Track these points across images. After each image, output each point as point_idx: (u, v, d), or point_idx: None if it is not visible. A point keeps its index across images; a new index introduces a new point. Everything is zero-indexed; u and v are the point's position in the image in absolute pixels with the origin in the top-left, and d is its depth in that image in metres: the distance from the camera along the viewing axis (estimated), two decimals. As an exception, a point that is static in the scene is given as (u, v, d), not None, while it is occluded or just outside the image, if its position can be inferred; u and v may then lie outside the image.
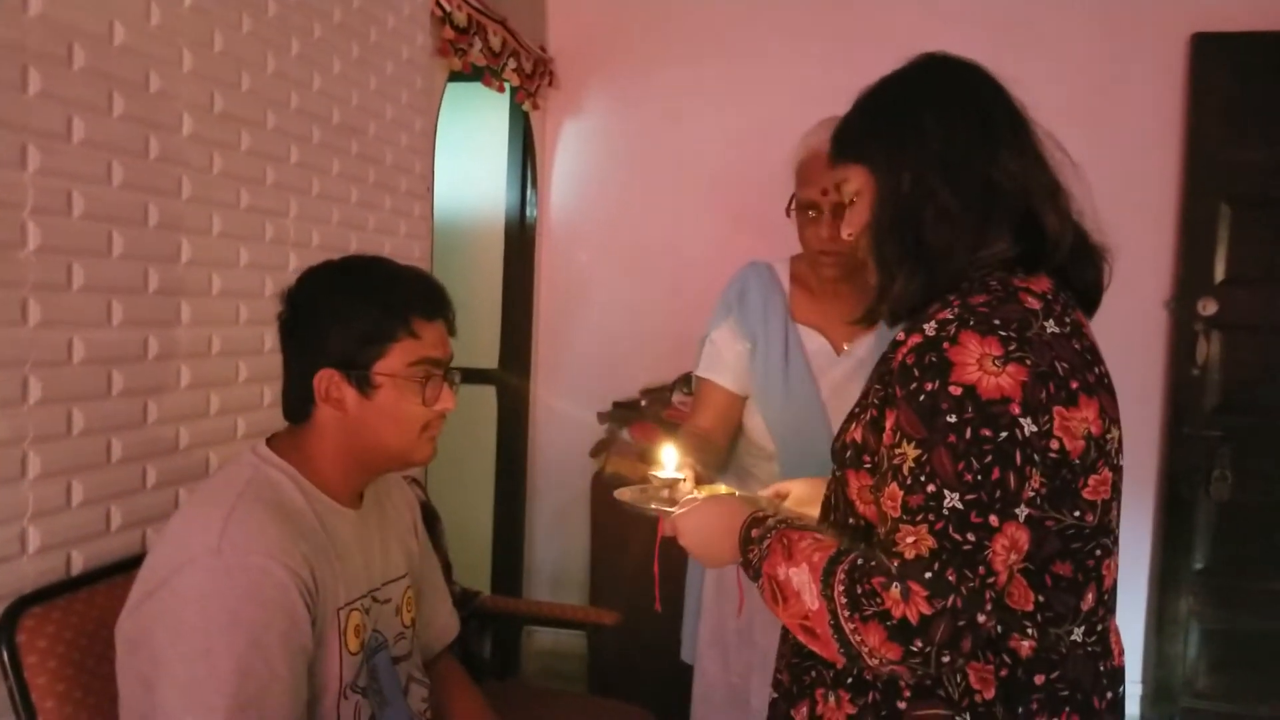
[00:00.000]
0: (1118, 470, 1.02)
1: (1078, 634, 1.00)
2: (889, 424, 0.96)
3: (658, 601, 1.41)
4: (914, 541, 0.89)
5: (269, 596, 1.15)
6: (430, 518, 2.18)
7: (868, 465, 1.02)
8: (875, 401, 1.01)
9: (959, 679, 0.98)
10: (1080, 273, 1.07)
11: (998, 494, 0.89)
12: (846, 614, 0.90)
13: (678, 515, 1.18)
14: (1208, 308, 2.95)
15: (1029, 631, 0.97)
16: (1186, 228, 2.98)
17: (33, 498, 1.40)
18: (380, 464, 1.34)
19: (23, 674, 1.29)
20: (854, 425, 1.05)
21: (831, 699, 1.05)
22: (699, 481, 1.34)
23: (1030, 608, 0.97)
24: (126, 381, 1.55)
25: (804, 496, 1.31)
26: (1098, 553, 1.00)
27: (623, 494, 1.31)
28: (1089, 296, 1.10)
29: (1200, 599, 2.98)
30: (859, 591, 0.89)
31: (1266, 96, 2.89)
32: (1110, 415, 0.99)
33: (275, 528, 1.19)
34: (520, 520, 3.44)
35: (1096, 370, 1.00)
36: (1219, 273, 2.95)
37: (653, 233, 3.36)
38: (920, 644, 0.87)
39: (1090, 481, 0.97)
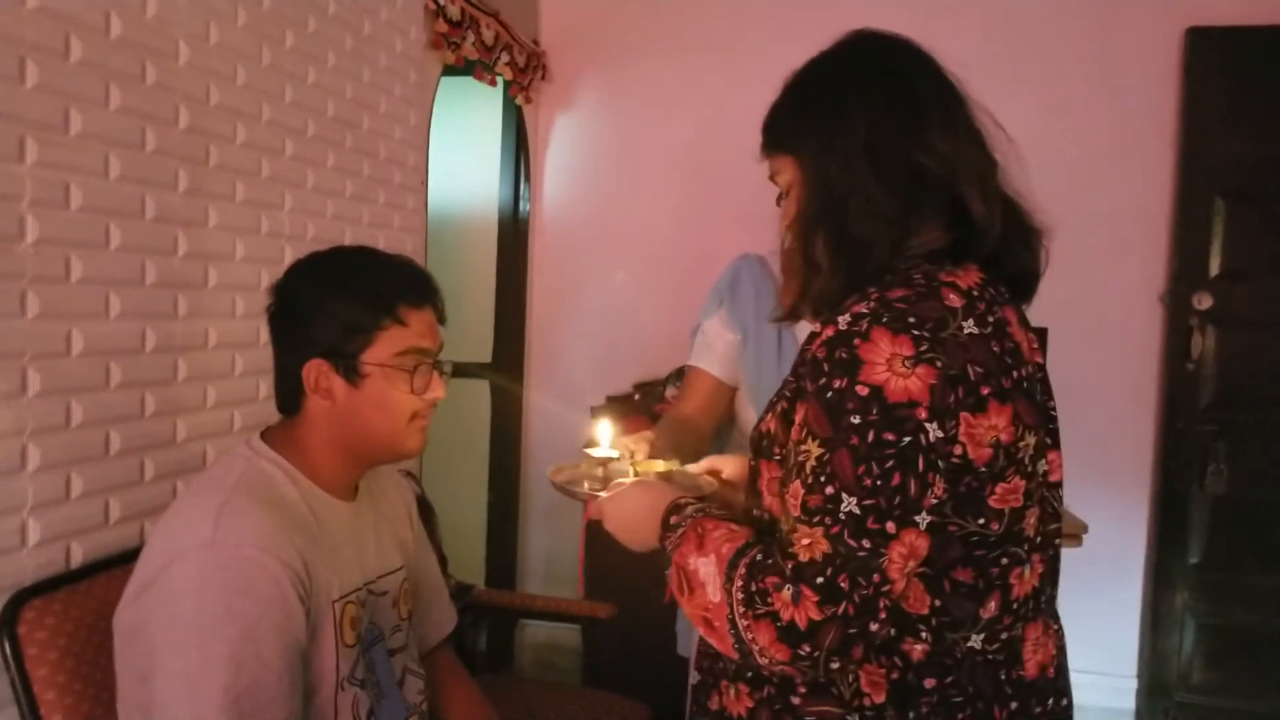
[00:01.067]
0: (1033, 477, 0.97)
1: (976, 641, 0.96)
2: (799, 418, 0.94)
3: (581, 585, 1.40)
4: (809, 544, 0.86)
5: (262, 589, 1.15)
6: (425, 511, 2.18)
7: (778, 457, 1.00)
8: (788, 393, 0.99)
9: (850, 679, 0.96)
10: (1014, 258, 1.03)
11: (897, 500, 0.86)
12: (741, 610, 0.88)
13: (603, 499, 1.15)
14: (1202, 302, 2.96)
15: (923, 635, 0.95)
16: (1181, 222, 2.98)
17: (32, 490, 1.40)
18: (370, 454, 1.34)
19: (24, 665, 1.30)
20: (769, 415, 1.02)
21: (732, 691, 1.04)
22: (643, 458, 1.31)
23: (926, 611, 0.94)
24: (125, 374, 1.55)
25: (737, 474, 1.27)
26: (1003, 561, 0.96)
27: (557, 474, 1.29)
28: (1023, 282, 1.06)
29: (1195, 593, 3.00)
30: (754, 589, 0.88)
31: (1261, 90, 2.90)
32: (1026, 422, 0.94)
33: (268, 520, 1.19)
34: (514, 514, 3.45)
35: (1015, 374, 0.95)
36: (1214, 267, 2.96)
37: (646, 226, 3.36)
38: (808, 649, 0.85)
39: (998, 490, 0.93)
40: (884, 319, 0.90)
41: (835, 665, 0.87)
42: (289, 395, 1.30)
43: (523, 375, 3.43)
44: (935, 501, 0.89)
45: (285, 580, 1.17)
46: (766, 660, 0.88)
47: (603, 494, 1.17)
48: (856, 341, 0.90)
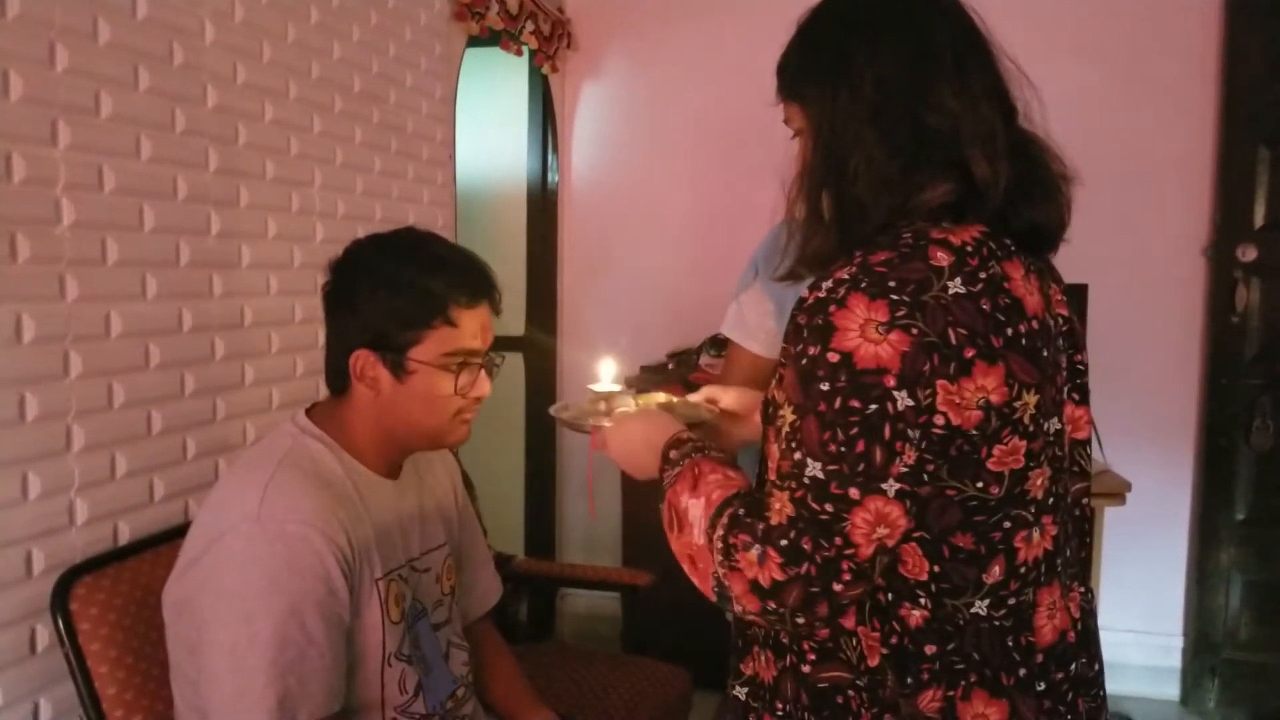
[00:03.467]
0: (1036, 437, 0.94)
1: (980, 606, 0.94)
2: (784, 384, 0.94)
3: (592, 512, 1.41)
4: (779, 508, 0.88)
5: (306, 564, 1.17)
6: (465, 484, 2.19)
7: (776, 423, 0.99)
8: (783, 360, 0.97)
9: (854, 642, 0.96)
10: (1023, 213, 0.98)
11: (860, 467, 0.86)
12: (719, 559, 0.91)
13: (607, 428, 1.16)
14: (1247, 254, 2.88)
15: (921, 601, 0.94)
16: (1224, 172, 2.90)
17: (79, 470, 1.42)
18: (413, 443, 1.35)
19: (78, 641, 1.33)
20: (773, 382, 1.01)
21: (762, 656, 1.04)
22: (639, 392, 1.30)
23: (924, 577, 0.93)
24: (164, 354, 1.57)
25: (735, 404, 1.27)
26: (1006, 525, 0.94)
27: (561, 411, 1.28)
28: (1041, 234, 1.01)
29: (1241, 550, 2.95)
30: (730, 541, 0.90)
31: (1306, 35, 2.80)
32: (1022, 380, 0.91)
33: (313, 497, 1.21)
34: (551, 484, 3.47)
35: (1010, 331, 0.91)
36: (1258, 218, 2.88)
37: (676, 193, 3.33)
38: (774, 605, 0.87)
39: (995, 452, 0.91)
40: (862, 284, 0.89)
41: (800, 620, 0.88)
42: (337, 377, 1.31)
43: (556, 346, 3.44)
44: (905, 470, 0.88)
45: (329, 555, 1.18)
46: (740, 608, 0.90)
47: (606, 423, 1.18)
48: (832, 308, 0.89)
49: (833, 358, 0.87)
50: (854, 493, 0.86)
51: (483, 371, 1.30)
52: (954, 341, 0.88)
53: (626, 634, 2.51)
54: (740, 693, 1.08)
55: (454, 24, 2.55)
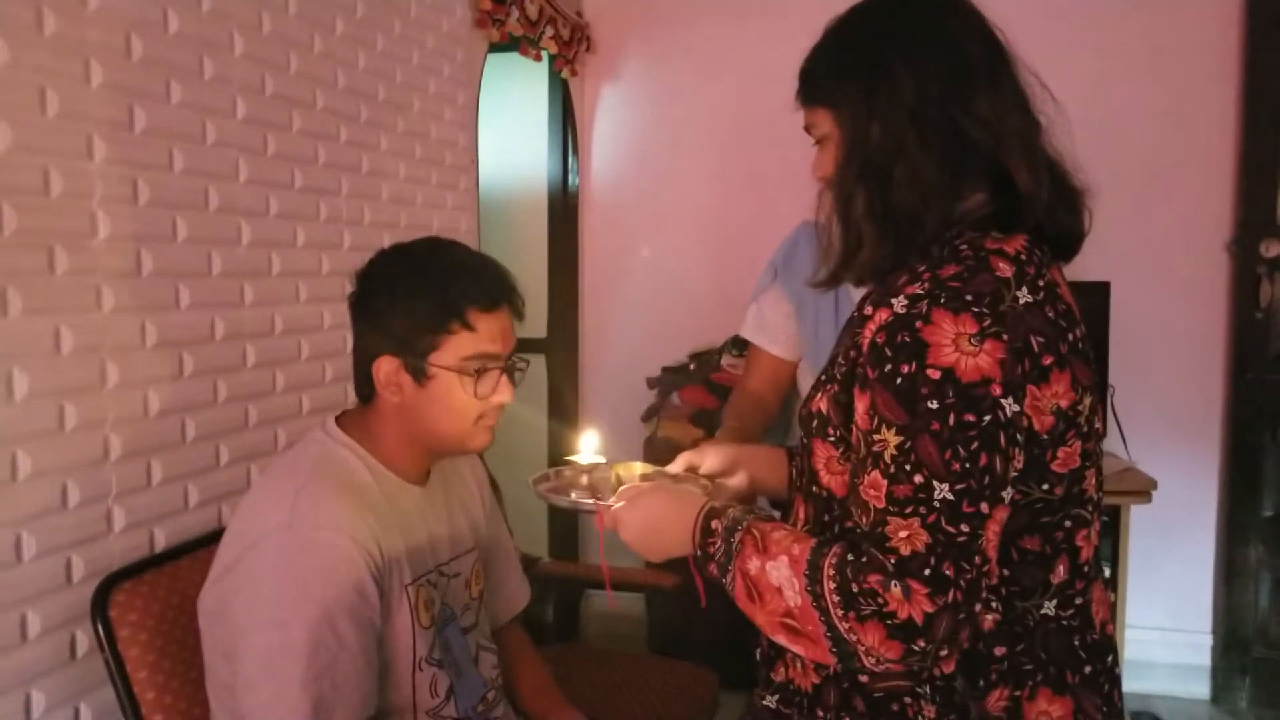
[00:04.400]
0: (1090, 437, 0.95)
1: (1049, 607, 0.96)
2: (862, 406, 0.92)
3: (611, 600, 1.37)
4: (908, 536, 0.85)
5: (338, 571, 1.18)
6: (492, 487, 2.21)
7: (832, 437, 0.98)
8: (839, 376, 0.97)
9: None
10: (1056, 220, 1.00)
11: (986, 480, 0.86)
12: (840, 613, 0.86)
13: (620, 508, 1.10)
14: (1270, 249, 2.86)
15: (993, 605, 0.94)
16: (1247, 167, 2.88)
17: (116, 478, 1.45)
18: (437, 448, 1.36)
19: (117, 646, 1.35)
20: (819, 394, 1.01)
21: (799, 664, 1.04)
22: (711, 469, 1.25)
23: (995, 581, 0.93)
24: (197, 363, 1.60)
25: (716, 467, 1.23)
26: (1067, 524, 0.95)
27: (542, 488, 1.24)
28: (1066, 243, 1.03)
29: (1269, 547, 2.93)
30: (854, 590, 0.86)
31: (1330, 27, 2.78)
32: (1082, 384, 0.93)
33: (343, 504, 1.22)
34: (575, 487, 3.48)
35: (1070, 336, 0.93)
36: (1282, 213, 2.87)
37: (696, 194, 3.34)
38: (923, 643, 0.84)
39: (1060, 454, 0.93)
40: (942, 299, 0.89)
41: (944, 653, 0.86)
42: (364, 384, 1.32)
43: (578, 348, 3.45)
44: (1015, 474, 0.88)
45: (360, 562, 1.20)
46: (873, 660, 0.87)
47: (612, 502, 1.12)
48: (918, 324, 0.88)
49: (934, 374, 0.86)
50: (985, 507, 0.86)
51: (504, 377, 1.31)
52: (1035, 349, 0.89)
53: (651, 635, 2.53)
54: (770, 701, 1.08)
55: (475, 31, 2.57)
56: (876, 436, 0.89)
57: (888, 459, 0.88)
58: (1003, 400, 0.86)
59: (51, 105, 1.32)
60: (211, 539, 1.56)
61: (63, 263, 1.35)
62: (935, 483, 0.85)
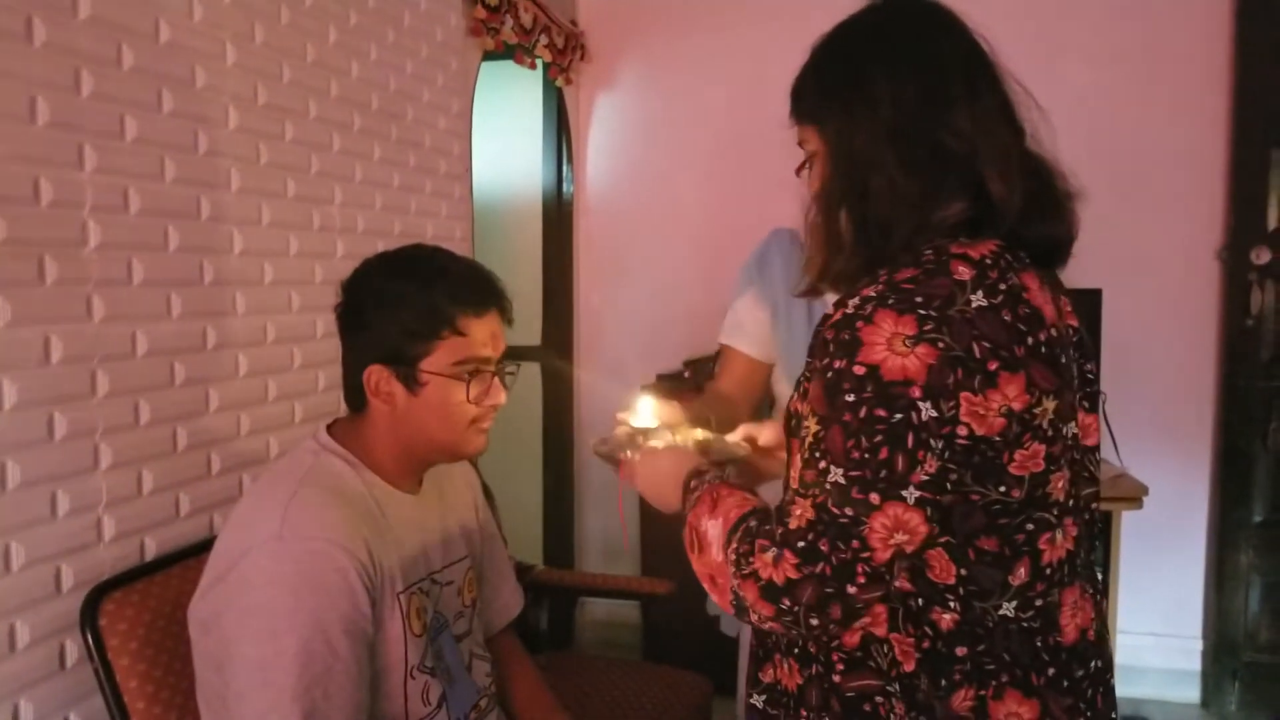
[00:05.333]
0: (1055, 441, 0.96)
1: (1008, 608, 0.97)
2: (809, 397, 0.96)
3: (625, 542, 1.43)
4: (799, 514, 0.91)
5: (330, 580, 1.18)
6: (486, 495, 2.21)
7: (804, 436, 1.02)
8: (807, 374, 1.00)
9: (886, 650, 0.98)
10: (1032, 227, 1.01)
11: (882, 473, 0.88)
12: (733, 569, 0.94)
13: (634, 461, 1.20)
14: (1261, 256, 2.88)
15: (951, 605, 0.96)
16: (1237, 175, 2.90)
17: (106, 487, 1.45)
18: (431, 455, 1.36)
19: (107, 655, 1.35)
20: (795, 394, 1.04)
21: (785, 665, 1.06)
22: (675, 421, 1.32)
23: (952, 581, 0.96)
24: (188, 372, 1.60)
25: (771, 440, 1.30)
26: (1029, 527, 0.96)
27: (601, 445, 1.30)
28: (1049, 249, 1.04)
29: (1260, 552, 2.94)
30: (743, 550, 0.93)
31: (1319, 36, 2.80)
32: (1042, 387, 0.93)
33: (335, 513, 1.22)
34: (569, 493, 3.48)
35: (1030, 340, 0.93)
36: (1272, 220, 2.88)
37: (691, 203, 3.35)
38: (787, 603, 0.90)
39: (1016, 456, 0.93)
40: (890, 300, 0.91)
41: (814, 621, 0.90)
42: (354, 394, 1.32)
43: (572, 356, 3.46)
44: (925, 478, 0.90)
45: (352, 571, 1.20)
46: (757, 617, 0.93)
47: (634, 456, 1.21)
48: (859, 324, 0.91)
49: (859, 370, 0.90)
50: (874, 498, 0.89)
51: (496, 379, 1.32)
52: (979, 355, 0.90)
53: (646, 642, 2.53)
54: (758, 700, 1.10)
55: (469, 40, 2.58)
56: (805, 424, 0.95)
57: (807, 445, 0.94)
58: (921, 402, 0.88)
59: (42, 114, 1.33)
60: (203, 548, 1.56)
61: (53, 272, 1.35)
62: (833, 468, 0.90)
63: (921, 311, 0.90)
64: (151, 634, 1.40)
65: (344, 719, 1.18)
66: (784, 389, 1.77)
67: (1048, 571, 0.99)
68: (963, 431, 0.91)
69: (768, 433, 1.31)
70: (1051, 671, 0.99)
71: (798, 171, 1.11)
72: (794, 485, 0.96)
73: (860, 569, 0.89)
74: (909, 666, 0.97)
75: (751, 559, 0.92)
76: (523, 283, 3.39)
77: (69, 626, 1.37)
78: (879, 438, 0.88)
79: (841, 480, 0.89)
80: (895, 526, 0.89)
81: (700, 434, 1.29)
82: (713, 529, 0.99)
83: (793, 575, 0.89)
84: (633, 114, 3.40)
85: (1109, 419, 2.74)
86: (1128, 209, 2.94)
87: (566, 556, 3.45)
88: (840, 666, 1.00)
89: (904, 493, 0.89)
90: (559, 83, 3.22)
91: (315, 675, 1.16)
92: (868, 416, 0.89)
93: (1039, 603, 0.99)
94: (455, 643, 1.40)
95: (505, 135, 3.50)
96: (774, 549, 0.91)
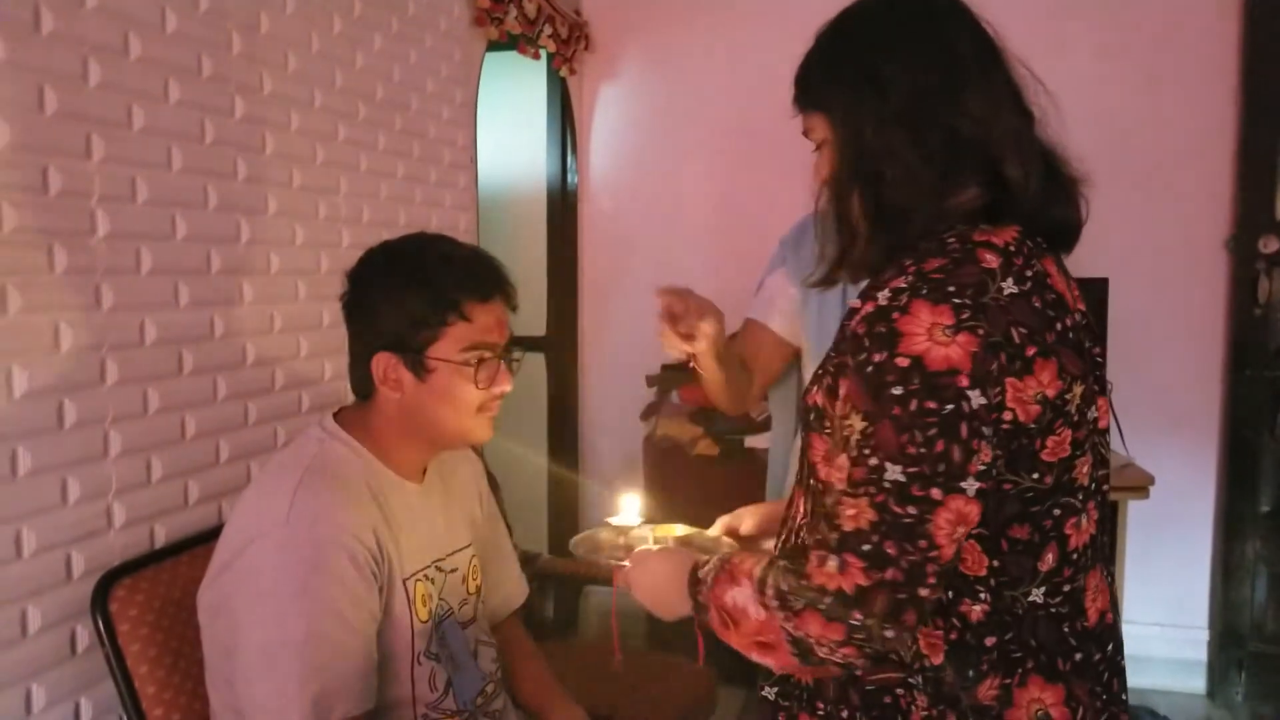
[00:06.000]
0: (1082, 425, 0.96)
1: (1037, 595, 0.96)
2: (842, 393, 0.94)
3: (617, 655, 1.42)
4: (854, 514, 0.87)
5: (336, 566, 1.19)
6: (490, 485, 2.22)
7: (828, 430, 0.99)
8: (831, 368, 0.99)
9: (910, 642, 0.96)
10: (1050, 212, 1.01)
11: (941, 467, 0.86)
12: (781, 615, 0.89)
13: (629, 569, 1.15)
14: (1269, 245, 2.87)
15: (981, 596, 0.95)
16: (1245, 164, 2.89)
17: (116, 475, 1.46)
18: (439, 442, 1.37)
19: (117, 641, 1.36)
20: (815, 388, 1.02)
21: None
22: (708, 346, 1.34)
23: (983, 572, 0.95)
24: (196, 360, 1.61)
25: (753, 529, 1.27)
26: (1056, 512, 0.96)
27: (578, 545, 1.29)
28: (1062, 234, 1.04)
29: (1267, 542, 2.93)
30: (784, 588, 0.89)
31: (1327, 23, 2.78)
32: (1071, 373, 0.93)
33: (341, 499, 1.23)
34: (574, 483, 3.49)
35: (1059, 325, 0.94)
36: (1280, 209, 2.88)
37: (695, 191, 3.35)
38: (860, 616, 0.86)
39: (1048, 443, 0.93)
40: (923, 291, 0.90)
41: (890, 634, 0.87)
42: (361, 382, 1.33)
43: (577, 346, 3.46)
44: (982, 468, 0.88)
45: (359, 557, 1.21)
46: (826, 650, 0.88)
47: (625, 562, 1.17)
48: (895, 315, 0.89)
49: (902, 362, 0.87)
50: (936, 493, 0.86)
51: (503, 366, 1.32)
52: (1017, 340, 0.90)
53: (650, 631, 2.53)
54: (770, 692, 1.09)
55: (473, 29, 2.57)
56: (846, 422, 0.92)
57: (852, 443, 0.90)
58: (969, 391, 0.87)
59: (50, 103, 1.33)
60: (211, 535, 1.57)
61: (61, 261, 1.36)
62: (888, 465, 0.87)
63: (956, 300, 0.89)
64: (161, 620, 1.41)
65: (351, 704, 1.19)
66: (810, 375, 1.73)
67: (1074, 556, 0.98)
68: (1007, 418, 0.90)
69: (748, 522, 1.28)
70: (1078, 656, 0.99)
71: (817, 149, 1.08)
72: (821, 481, 0.94)
73: (930, 569, 0.87)
74: (936, 659, 0.96)
75: (809, 580, 0.88)
76: (527, 273, 3.39)
77: (80, 613, 1.38)
78: (932, 430, 0.86)
79: (901, 478, 0.86)
80: (958, 520, 0.88)
81: (680, 530, 1.28)
82: (739, 595, 0.95)
83: (862, 581, 0.85)
84: (637, 104, 3.39)
85: (1115, 408, 2.74)
86: (1135, 197, 2.93)
87: (572, 546, 3.46)
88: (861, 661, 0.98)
89: (963, 484, 0.87)
90: (563, 73, 3.22)
91: (322, 661, 1.17)
92: (918, 409, 0.86)
93: (1066, 588, 0.98)
94: (460, 629, 1.41)
95: (509, 125, 3.50)
96: (834, 557, 0.87)
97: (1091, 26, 2.96)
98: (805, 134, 1.08)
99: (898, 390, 0.87)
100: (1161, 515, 2.84)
